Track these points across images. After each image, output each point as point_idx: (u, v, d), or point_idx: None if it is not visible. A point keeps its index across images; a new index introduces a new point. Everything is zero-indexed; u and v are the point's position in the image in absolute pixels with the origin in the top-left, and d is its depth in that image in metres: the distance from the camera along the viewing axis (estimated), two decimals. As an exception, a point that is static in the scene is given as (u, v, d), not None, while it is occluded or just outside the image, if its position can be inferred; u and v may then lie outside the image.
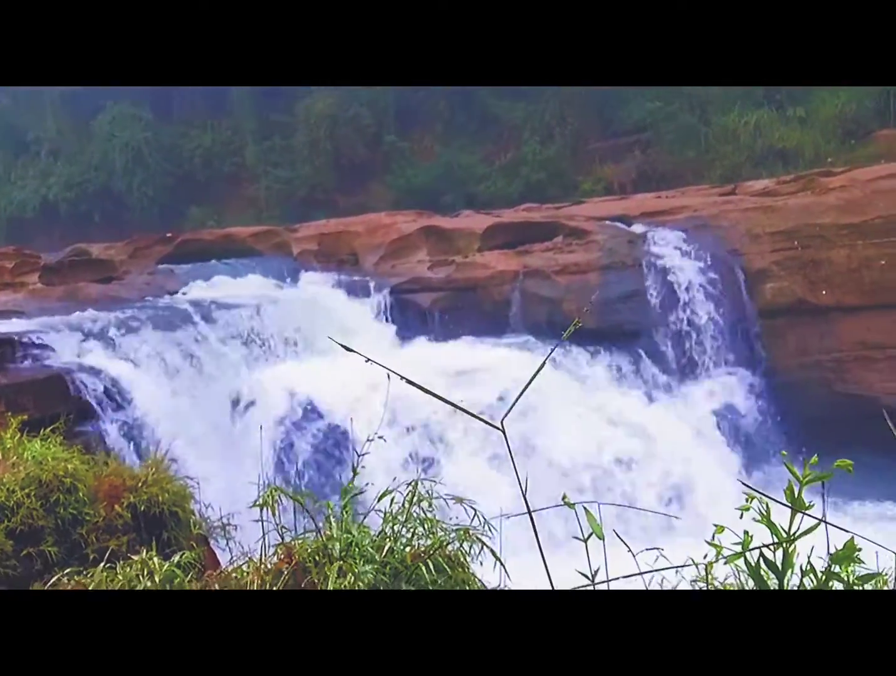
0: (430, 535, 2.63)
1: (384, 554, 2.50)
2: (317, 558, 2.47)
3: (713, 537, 1.81)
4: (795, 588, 1.77)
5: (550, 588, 1.58)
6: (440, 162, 27.28)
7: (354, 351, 1.47)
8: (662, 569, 1.69)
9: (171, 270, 15.66)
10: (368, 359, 1.44)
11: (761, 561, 1.70)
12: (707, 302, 14.41)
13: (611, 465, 11.44)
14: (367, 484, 2.85)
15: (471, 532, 2.68)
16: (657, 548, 1.84)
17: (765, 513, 1.74)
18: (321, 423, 10.77)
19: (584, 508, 1.58)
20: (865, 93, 21.69)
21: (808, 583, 1.75)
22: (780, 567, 1.70)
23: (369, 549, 2.48)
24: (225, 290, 14.27)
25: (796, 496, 1.73)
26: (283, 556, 2.56)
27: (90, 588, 2.73)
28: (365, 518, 2.75)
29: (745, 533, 1.74)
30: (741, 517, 1.74)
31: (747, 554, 1.75)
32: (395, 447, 10.06)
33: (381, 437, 2.92)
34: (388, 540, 2.57)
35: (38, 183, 32.36)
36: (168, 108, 31.58)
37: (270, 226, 19.82)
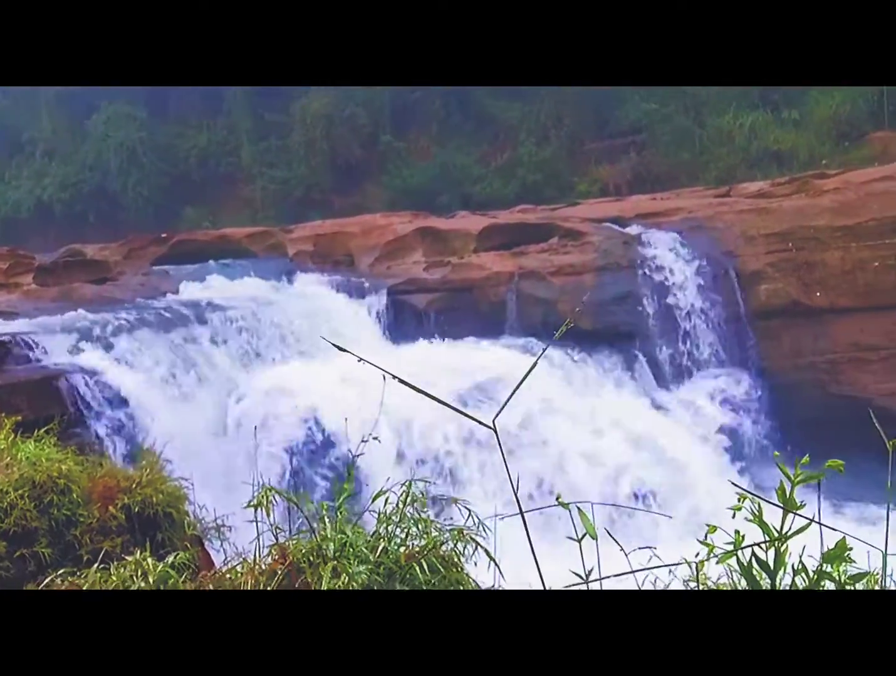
0: (425, 535, 2.63)
1: (378, 554, 2.50)
2: (311, 558, 2.47)
3: (706, 536, 1.82)
4: (787, 588, 1.78)
5: (543, 586, 1.58)
6: (436, 162, 27.30)
7: (347, 351, 1.48)
8: (654, 567, 1.69)
9: (166, 271, 15.63)
10: (361, 359, 1.44)
11: (753, 560, 1.71)
12: (701, 303, 14.45)
13: (606, 466, 11.44)
14: (364, 484, 2.85)
15: (465, 532, 2.68)
16: (650, 547, 1.85)
17: (757, 513, 1.75)
18: (316, 424, 10.76)
19: (578, 508, 1.59)
20: (859, 94, 21.78)
21: (800, 582, 1.75)
22: (771, 566, 1.71)
23: (363, 549, 2.49)
24: (220, 291, 14.24)
25: (788, 496, 1.74)
26: (277, 557, 2.56)
27: (84, 589, 2.73)
28: (359, 518, 2.75)
29: (737, 532, 1.75)
30: (733, 516, 1.75)
31: (740, 553, 1.76)
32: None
33: (375, 438, 2.92)
34: (382, 540, 2.58)
35: (33, 183, 32.28)
36: (163, 108, 31.54)
37: (266, 226, 19.81)
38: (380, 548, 2.52)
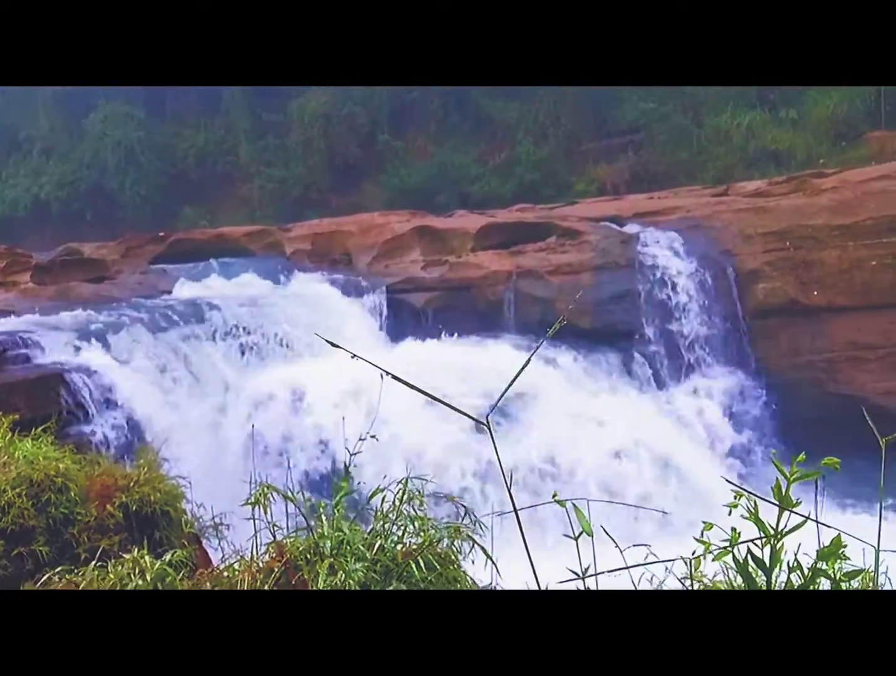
0: (422, 533, 2.64)
1: (375, 551, 2.51)
2: (308, 556, 2.48)
3: (702, 534, 1.82)
4: (783, 585, 1.79)
5: (537, 586, 1.59)
6: (434, 162, 27.29)
7: (340, 347, 1.48)
8: (649, 563, 1.70)
9: (164, 270, 15.62)
10: (354, 355, 1.45)
11: (749, 557, 1.71)
12: (699, 302, 14.47)
13: (603, 465, 11.46)
14: (358, 483, 2.86)
15: (461, 529, 2.69)
16: (645, 545, 1.85)
17: (753, 511, 1.75)
18: (313, 422, 10.76)
19: (574, 505, 1.59)
20: (857, 94, 21.82)
21: (796, 579, 1.76)
22: (767, 563, 1.72)
23: (360, 547, 2.49)
24: (217, 290, 14.24)
25: (784, 494, 1.74)
26: (274, 554, 2.56)
27: (81, 587, 2.73)
28: (356, 516, 2.75)
29: (733, 530, 1.76)
30: (729, 514, 1.76)
31: (736, 551, 1.77)
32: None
33: (373, 436, 2.93)
34: (379, 537, 2.58)
35: (30, 182, 32.22)
36: (161, 107, 31.49)
37: (263, 225, 19.79)
38: (376, 546, 2.53)
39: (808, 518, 1.72)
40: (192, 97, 30.36)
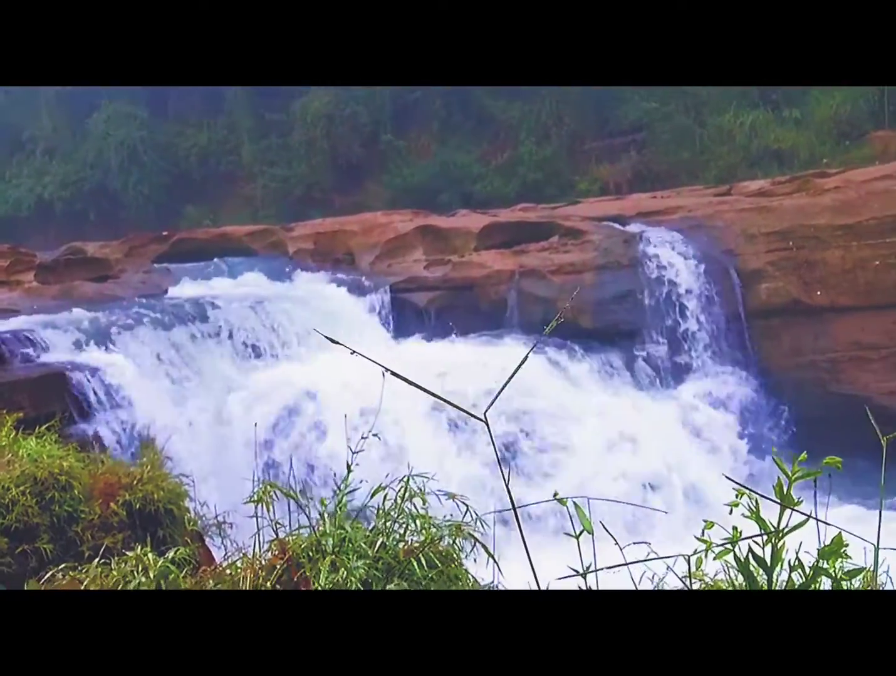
0: (423, 531, 2.64)
1: (377, 549, 2.52)
2: (311, 553, 2.49)
3: (702, 532, 1.83)
4: (784, 584, 1.79)
5: (537, 585, 1.60)
6: (436, 161, 27.29)
7: (339, 343, 1.49)
8: (648, 560, 1.70)
9: (167, 269, 15.64)
10: (354, 352, 1.45)
11: (750, 556, 1.72)
12: (702, 302, 14.46)
13: (605, 464, 11.46)
14: (361, 481, 2.87)
15: (463, 528, 2.70)
16: (645, 542, 1.86)
17: (754, 509, 1.76)
18: (316, 420, 10.78)
19: (575, 503, 1.60)
20: (860, 94, 21.77)
21: (797, 578, 1.77)
22: (768, 562, 1.72)
23: (362, 545, 2.50)
24: (220, 289, 14.26)
25: (785, 492, 1.75)
26: (277, 552, 2.57)
27: (84, 584, 2.74)
28: (358, 514, 2.76)
29: (734, 528, 1.76)
30: (730, 512, 1.76)
31: (737, 549, 1.77)
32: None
33: (375, 435, 2.94)
34: (380, 535, 2.59)
35: (34, 181, 32.28)
36: (164, 107, 31.53)
37: (266, 225, 19.80)
38: (378, 544, 2.54)
39: (809, 516, 1.72)
40: (195, 97, 30.39)
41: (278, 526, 2.73)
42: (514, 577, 2.27)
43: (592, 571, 1.60)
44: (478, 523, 2.75)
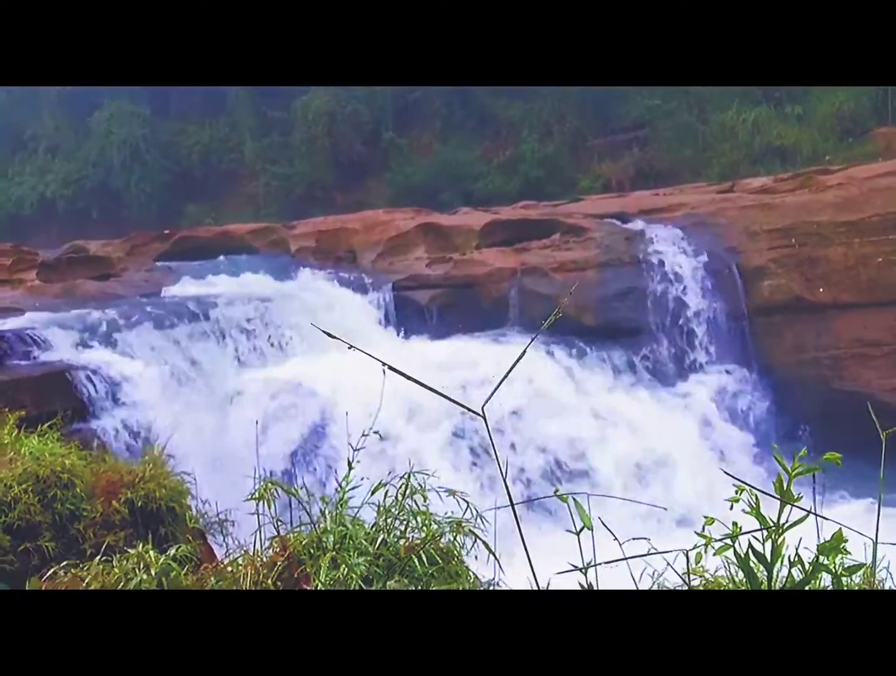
0: (424, 528, 2.65)
1: (377, 546, 2.52)
2: (311, 550, 2.49)
3: (703, 528, 1.83)
4: (784, 579, 1.79)
5: (535, 584, 1.60)
6: (438, 159, 27.30)
7: (337, 338, 1.49)
8: (649, 554, 1.71)
9: (169, 267, 15.66)
10: (351, 347, 1.45)
11: (750, 552, 1.72)
12: (704, 299, 14.44)
13: (606, 462, 11.46)
14: (361, 478, 2.87)
15: (463, 524, 2.70)
16: (645, 538, 1.86)
17: (754, 505, 1.76)
18: (317, 417, 10.79)
19: (574, 500, 1.60)
20: (863, 91, 21.73)
21: (797, 574, 1.77)
22: (768, 558, 1.72)
23: (363, 542, 2.51)
24: (222, 287, 14.27)
25: (785, 488, 1.75)
26: (278, 549, 2.58)
27: (86, 582, 2.75)
28: (359, 511, 2.77)
29: (734, 524, 1.76)
30: (731, 508, 1.76)
31: (737, 546, 1.77)
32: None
33: (376, 432, 2.94)
34: (381, 532, 2.60)
35: (36, 180, 32.36)
36: (166, 105, 31.57)
37: (268, 223, 19.83)
38: (379, 540, 2.55)
39: (809, 512, 1.72)
40: (197, 95, 30.43)
41: (279, 523, 2.73)
42: (517, 575, 2.27)
43: (592, 566, 1.61)
44: (478, 520, 2.76)
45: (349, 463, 2.88)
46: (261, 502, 2.79)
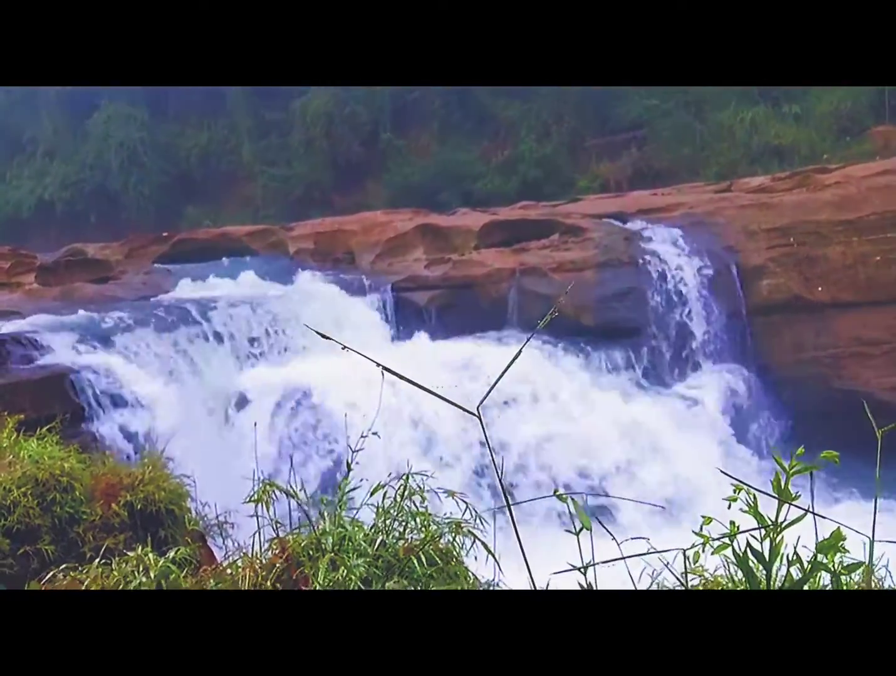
0: (423, 529, 2.65)
1: (376, 547, 2.52)
2: (310, 552, 2.49)
3: (701, 528, 1.83)
4: (783, 578, 1.79)
5: (533, 584, 1.60)
6: (436, 160, 27.31)
7: (332, 339, 1.49)
8: (647, 553, 1.71)
9: (168, 270, 15.66)
10: (345, 347, 1.46)
11: (748, 551, 1.72)
12: (703, 298, 14.45)
13: (607, 461, 11.46)
14: (361, 480, 2.87)
15: (462, 525, 2.70)
16: (644, 538, 1.86)
17: (752, 504, 1.76)
18: (316, 419, 10.79)
19: (573, 500, 1.60)
20: (861, 90, 21.76)
21: (795, 573, 1.77)
22: (767, 557, 1.72)
23: (362, 543, 2.50)
24: (221, 289, 14.27)
25: (783, 487, 1.75)
26: (277, 551, 2.58)
27: (85, 584, 2.75)
28: (357, 512, 2.77)
29: (732, 523, 1.76)
30: (729, 507, 1.76)
31: (735, 545, 1.77)
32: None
33: (374, 433, 2.94)
34: (380, 533, 2.59)
35: (34, 183, 32.36)
36: (164, 107, 31.57)
37: (266, 224, 19.84)
38: (378, 542, 2.54)
39: (807, 511, 1.72)
40: (195, 97, 30.42)
41: (278, 525, 2.73)
42: (516, 575, 2.27)
43: (589, 565, 1.61)
44: (477, 520, 2.76)
45: (348, 465, 2.88)
46: (259, 504, 2.78)
